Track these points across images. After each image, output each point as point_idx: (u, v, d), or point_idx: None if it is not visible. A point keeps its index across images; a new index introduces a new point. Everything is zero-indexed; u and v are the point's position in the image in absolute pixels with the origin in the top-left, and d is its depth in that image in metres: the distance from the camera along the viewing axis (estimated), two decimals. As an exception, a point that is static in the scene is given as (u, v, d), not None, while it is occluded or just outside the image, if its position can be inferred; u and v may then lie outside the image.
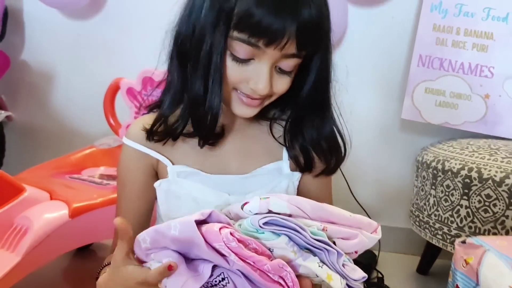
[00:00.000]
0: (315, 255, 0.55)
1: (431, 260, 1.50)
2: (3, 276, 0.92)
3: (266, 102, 0.68)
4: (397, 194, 1.66)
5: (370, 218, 1.75)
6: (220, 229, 0.50)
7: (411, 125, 1.58)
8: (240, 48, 0.61)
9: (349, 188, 1.67)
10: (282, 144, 0.74)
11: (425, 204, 1.34)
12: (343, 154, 0.74)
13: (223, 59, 0.62)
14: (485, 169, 1.17)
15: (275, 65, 0.63)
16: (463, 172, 1.20)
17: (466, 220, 1.20)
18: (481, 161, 1.20)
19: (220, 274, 0.53)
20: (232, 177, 0.72)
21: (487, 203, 1.16)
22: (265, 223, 0.53)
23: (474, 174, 1.18)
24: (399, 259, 1.67)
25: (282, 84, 0.65)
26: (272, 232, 0.53)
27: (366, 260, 1.52)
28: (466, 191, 1.19)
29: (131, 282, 0.54)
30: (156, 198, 0.74)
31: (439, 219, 1.27)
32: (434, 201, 1.29)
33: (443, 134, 1.52)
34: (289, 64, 0.64)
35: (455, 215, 1.23)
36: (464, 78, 1.43)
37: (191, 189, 0.70)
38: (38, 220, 1.00)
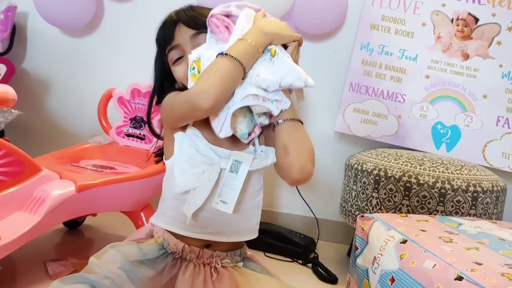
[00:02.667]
0: None
1: (356, 244, 1.88)
2: (28, 230, 1.24)
3: None
4: (333, 192, 2.05)
5: (313, 213, 2.23)
6: None
7: (344, 138, 1.99)
8: (171, 55, 0.95)
9: (297, 187, 2.06)
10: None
11: (349, 197, 1.73)
12: None
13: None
14: (390, 169, 1.58)
15: (195, 46, 0.92)
16: (375, 172, 1.61)
17: (376, 207, 1.60)
18: (388, 163, 1.61)
19: None
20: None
21: (390, 195, 1.57)
22: None
23: (382, 173, 1.59)
24: (334, 247, 2.03)
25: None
26: None
27: (306, 244, 1.90)
28: (376, 186, 1.60)
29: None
30: None
31: (358, 208, 1.67)
32: (355, 194, 1.69)
33: (368, 145, 1.93)
34: (201, 41, 0.92)
35: (369, 204, 1.63)
36: (383, 102, 1.85)
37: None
38: (53, 192, 1.33)
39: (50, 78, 2.17)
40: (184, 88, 0.94)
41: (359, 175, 1.67)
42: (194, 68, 0.89)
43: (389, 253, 1.11)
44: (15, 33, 2.08)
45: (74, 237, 1.81)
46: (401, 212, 1.55)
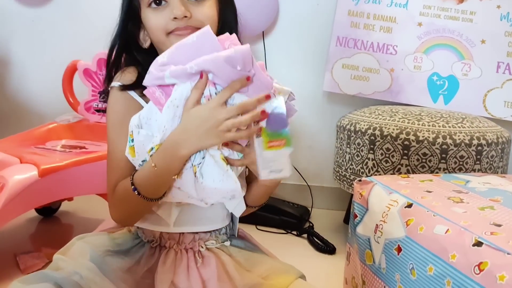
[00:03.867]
0: None
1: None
2: (-15, 224, 1.10)
3: None
4: (325, 157, 1.93)
5: (305, 180, 2.10)
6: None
7: (334, 97, 1.85)
8: None
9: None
10: None
11: (343, 160, 1.61)
12: None
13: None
14: (385, 127, 1.45)
15: None
16: (369, 131, 1.48)
17: (372, 170, 1.48)
18: (383, 121, 1.47)
19: None
20: None
21: (387, 155, 1.44)
22: None
23: (377, 132, 1.46)
24: (329, 214, 1.94)
25: (201, 9, 0.77)
26: None
27: (299, 214, 1.79)
28: (372, 146, 1.47)
29: (204, 113, 0.66)
30: None
31: (353, 171, 1.55)
32: (349, 157, 1.57)
33: (359, 104, 1.80)
34: None
35: (365, 167, 1.50)
36: (373, 55, 1.71)
37: None
38: (12, 179, 1.18)
39: (8, 55, 2.00)
40: (151, 51, 0.80)
41: (353, 136, 1.54)
42: (132, 140, 0.70)
43: (393, 219, 0.99)
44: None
45: (50, 225, 1.68)
46: (401, 173, 1.43)
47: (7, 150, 1.33)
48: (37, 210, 1.66)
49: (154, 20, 0.78)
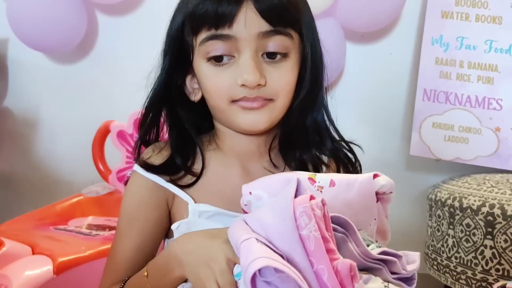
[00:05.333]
0: (374, 273, 0.48)
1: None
2: None
3: (273, 106, 0.61)
4: (409, 237, 1.56)
5: None
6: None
7: (418, 163, 1.51)
8: (211, 46, 0.58)
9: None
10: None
11: (442, 245, 1.24)
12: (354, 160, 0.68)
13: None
14: (509, 205, 1.09)
15: (260, 52, 0.59)
16: (484, 209, 1.12)
17: (492, 262, 1.11)
18: (503, 196, 1.12)
19: None
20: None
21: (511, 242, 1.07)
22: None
23: (497, 211, 1.10)
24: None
25: (279, 74, 0.60)
26: None
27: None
28: (490, 229, 1.11)
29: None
30: (165, 239, 0.66)
31: (461, 261, 1.18)
32: (453, 242, 1.20)
33: (453, 171, 1.45)
34: (274, 44, 0.59)
35: (479, 257, 1.13)
36: (472, 111, 1.38)
37: None
38: (18, 279, 0.88)
39: (37, 115, 1.79)
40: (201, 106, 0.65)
41: (458, 214, 1.18)
42: None
43: None
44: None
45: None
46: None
47: (19, 233, 1.07)
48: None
49: (214, 81, 0.60)
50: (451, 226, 1.21)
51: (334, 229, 0.47)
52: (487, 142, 1.36)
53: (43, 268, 0.93)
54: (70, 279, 0.96)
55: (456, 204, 1.19)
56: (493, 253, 1.10)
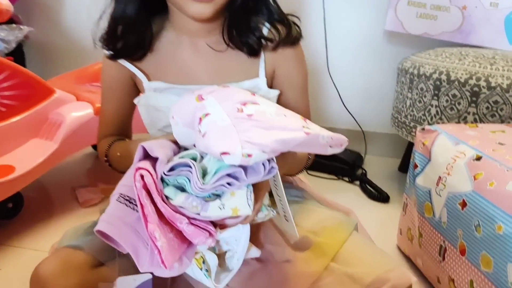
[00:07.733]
0: (219, 195, 0.54)
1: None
2: (44, 160, 1.13)
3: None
4: (382, 101, 1.83)
5: (359, 125, 1.97)
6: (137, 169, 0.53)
7: (394, 37, 1.71)
8: None
9: (340, 97, 1.84)
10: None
11: (403, 106, 1.51)
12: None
13: None
14: (453, 72, 1.33)
15: None
16: (435, 76, 1.36)
17: (435, 117, 1.38)
18: (451, 65, 1.35)
19: None
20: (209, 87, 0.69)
21: (453, 102, 1.34)
22: (170, 170, 0.53)
23: (443, 77, 1.34)
24: (384, 161, 1.86)
25: None
26: (176, 180, 0.54)
27: (352, 160, 1.73)
28: (437, 92, 1.36)
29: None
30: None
31: (414, 118, 1.46)
32: (409, 102, 1.47)
33: (424, 45, 1.66)
34: None
35: (427, 114, 1.41)
36: (444, -10, 1.54)
37: (168, 102, 0.72)
38: (69, 115, 1.19)
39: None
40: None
41: (415, 80, 1.43)
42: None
43: (459, 172, 0.93)
44: None
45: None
46: (467, 122, 1.33)
47: (63, 87, 1.34)
48: (94, 146, 1.71)
49: None
50: (409, 90, 1.47)
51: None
52: (453, 19, 1.54)
53: (86, 110, 1.24)
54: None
55: (415, 71, 1.43)
56: (437, 111, 1.37)
